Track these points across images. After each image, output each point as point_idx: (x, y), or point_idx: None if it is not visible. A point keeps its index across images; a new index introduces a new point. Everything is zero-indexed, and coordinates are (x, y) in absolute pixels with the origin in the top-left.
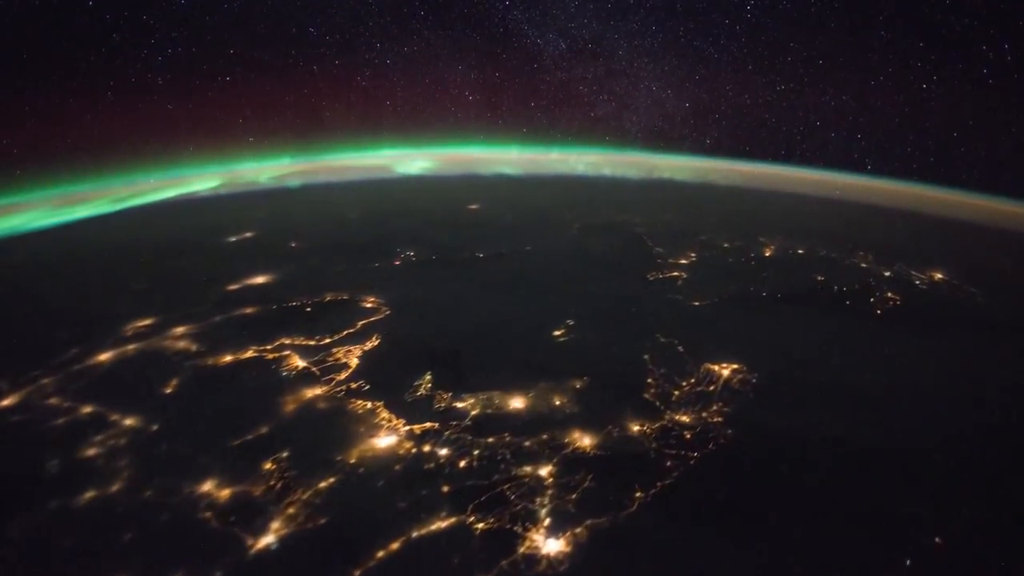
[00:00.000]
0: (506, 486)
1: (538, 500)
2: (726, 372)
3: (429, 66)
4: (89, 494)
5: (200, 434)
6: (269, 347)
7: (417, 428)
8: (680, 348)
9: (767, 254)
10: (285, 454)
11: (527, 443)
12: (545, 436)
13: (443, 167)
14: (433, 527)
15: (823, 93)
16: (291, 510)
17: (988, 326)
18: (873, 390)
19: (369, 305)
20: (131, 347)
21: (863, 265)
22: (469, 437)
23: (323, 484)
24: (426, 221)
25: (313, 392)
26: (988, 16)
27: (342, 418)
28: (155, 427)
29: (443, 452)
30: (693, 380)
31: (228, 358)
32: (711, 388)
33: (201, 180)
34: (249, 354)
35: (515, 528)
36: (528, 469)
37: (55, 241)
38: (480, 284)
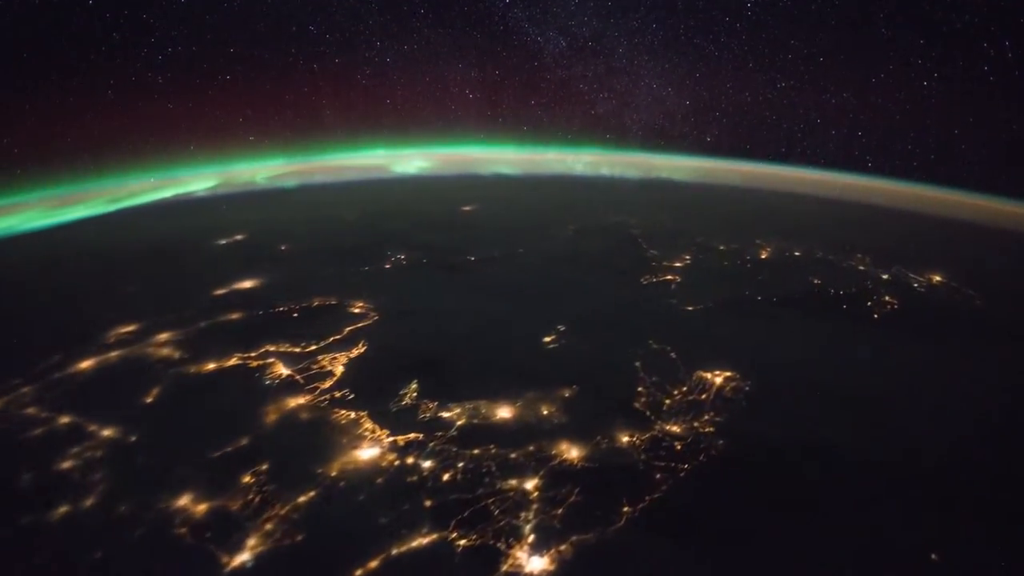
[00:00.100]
0: (490, 500)
1: (523, 515)
2: (719, 380)
3: (429, 64)
4: (62, 509)
5: (179, 445)
6: (253, 354)
7: (401, 439)
8: (672, 355)
9: (763, 256)
10: (265, 466)
11: (513, 455)
12: (532, 447)
13: (441, 167)
14: (414, 544)
15: (824, 91)
16: (268, 526)
17: (986, 331)
18: (868, 399)
19: (357, 310)
20: (114, 354)
21: (861, 268)
22: (454, 448)
23: (302, 498)
24: (419, 223)
25: (296, 401)
26: (989, 13)
27: (325, 429)
28: (133, 438)
29: (427, 464)
30: (685, 388)
31: (211, 366)
32: (703, 396)
33: (198, 180)
34: (233, 362)
35: (498, 545)
36: (513, 482)
37: (49, 242)
38: (471, 288)
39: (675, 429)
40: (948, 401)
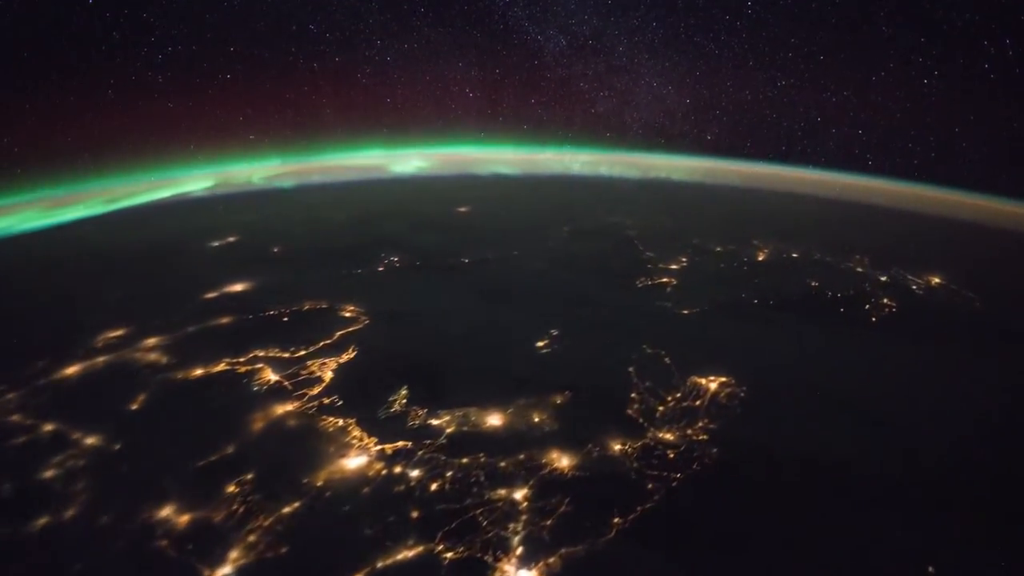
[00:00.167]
0: (478, 511)
1: (511, 526)
2: (713, 385)
3: (429, 63)
4: (42, 520)
5: (163, 454)
6: (242, 359)
7: (389, 447)
8: (667, 359)
9: (760, 258)
10: (250, 476)
11: (503, 464)
12: (522, 456)
13: (439, 167)
14: (399, 556)
15: (824, 89)
16: (252, 538)
17: (986, 333)
18: (866, 404)
19: (348, 314)
20: (101, 359)
21: (859, 269)
22: (443, 457)
23: (287, 509)
24: (414, 224)
25: (284, 408)
26: (990, 11)
27: (312, 437)
28: (117, 447)
29: (414, 473)
30: (679, 394)
31: (199, 372)
32: (697, 403)
33: (196, 180)
34: (221, 367)
35: (485, 558)
36: (502, 492)
37: (44, 243)
38: (463, 292)
39: (668, 437)
40: (947, 403)
